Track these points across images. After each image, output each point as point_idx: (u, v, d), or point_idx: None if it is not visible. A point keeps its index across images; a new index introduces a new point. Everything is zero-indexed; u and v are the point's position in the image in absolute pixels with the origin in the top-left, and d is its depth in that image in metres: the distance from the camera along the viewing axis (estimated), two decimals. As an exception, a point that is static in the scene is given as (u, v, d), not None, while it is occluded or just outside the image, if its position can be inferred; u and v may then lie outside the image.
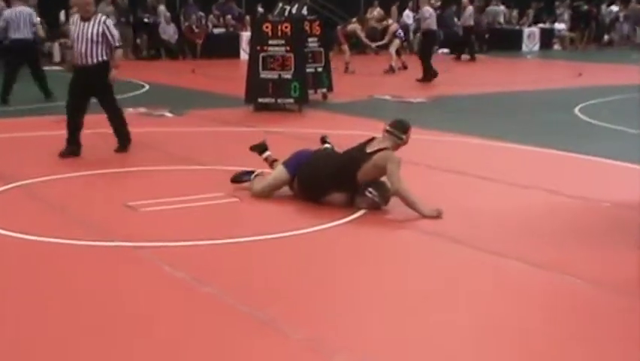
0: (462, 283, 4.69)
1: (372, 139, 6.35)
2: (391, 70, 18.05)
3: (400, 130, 6.35)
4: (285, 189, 6.56)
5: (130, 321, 3.99)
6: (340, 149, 6.71)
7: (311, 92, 12.43)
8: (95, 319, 3.99)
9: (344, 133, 9.12)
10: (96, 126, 9.88)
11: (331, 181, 6.24)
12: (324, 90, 13.05)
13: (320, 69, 12.79)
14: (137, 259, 4.97)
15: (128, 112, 11.40)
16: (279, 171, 6.56)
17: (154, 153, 8.48)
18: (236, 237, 5.45)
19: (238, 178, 6.81)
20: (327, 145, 7.17)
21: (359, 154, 6.25)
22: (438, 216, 6.02)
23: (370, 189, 6.17)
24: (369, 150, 6.25)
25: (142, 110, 11.71)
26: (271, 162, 6.94)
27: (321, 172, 6.27)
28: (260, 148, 7.16)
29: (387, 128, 6.37)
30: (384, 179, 6.21)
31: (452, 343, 3.81)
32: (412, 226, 5.86)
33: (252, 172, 6.78)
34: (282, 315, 4.06)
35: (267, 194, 6.55)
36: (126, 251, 5.11)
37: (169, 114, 11.44)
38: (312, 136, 8.21)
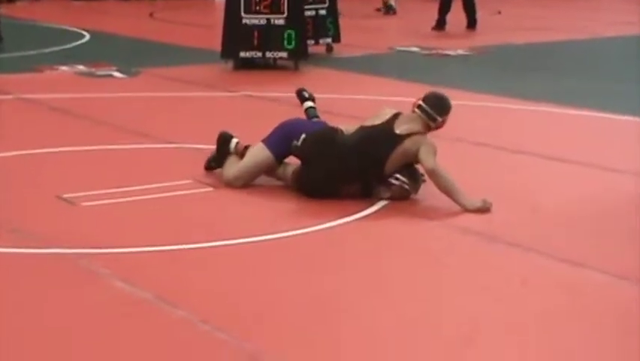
0: (520, 300, 4.73)
1: (397, 115, 6.35)
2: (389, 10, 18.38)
3: (437, 110, 6.34)
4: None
5: (80, 358, 4.01)
6: (344, 120, 6.73)
7: (311, 42, 12.43)
8: (19, 356, 4.01)
9: (355, 98, 9.15)
10: (18, 89, 9.92)
11: (350, 172, 6.25)
12: (329, 40, 13.05)
13: (323, 12, 12.80)
14: (80, 272, 4.99)
15: (61, 71, 11.49)
16: (258, 151, 6.55)
17: (97, 126, 8.49)
18: (213, 240, 5.47)
19: (215, 161, 6.79)
20: (310, 105, 7.14)
21: (386, 136, 6.25)
22: (485, 209, 6.05)
23: (397, 175, 6.19)
24: (398, 130, 6.25)
25: (80, 68, 11.72)
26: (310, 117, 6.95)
27: (336, 159, 6.26)
28: (302, 96, 7.17)
29: (421, 103, 6.37)
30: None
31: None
32: (450, 224, 5.88)
33: (228, 144, 6.73)
34: (276, 348, 4.08)
35: (244, 181, 6.55)
36: (64, 261, 5.13)
37: (117, 74, 11.45)
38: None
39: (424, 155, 6.14)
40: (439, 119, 6.35)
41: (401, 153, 6.21)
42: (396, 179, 6.20)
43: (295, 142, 6.38)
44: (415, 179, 6.27)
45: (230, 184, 6.54)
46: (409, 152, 6.20)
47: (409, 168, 6.27)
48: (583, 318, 4.58)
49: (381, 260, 5.37)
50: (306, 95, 7.24)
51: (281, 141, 6.50)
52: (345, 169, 6.24)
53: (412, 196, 6.30)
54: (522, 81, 11.33)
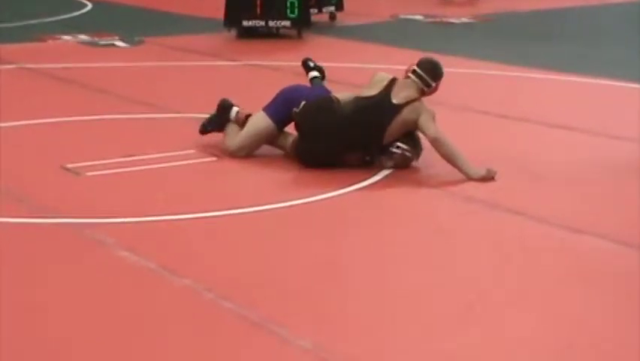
0: (522, 266, 4.76)
1: (392, 81, 6.36)
2: None
3: (431, 75, 6.35)
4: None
5: (82, 330, 4.04)
6: (346, 89, 6.73)
7: (314, 11, 12.41)
8: (23, 329, 4.04)
9: (358, 67, 9.13)
10: (21, 59, 9.93)
11: (348, 142, 6.26)
12: (332, 9, 13.03)
13: (326, -21, 12.78)
14: (86, 241, 5.02)
15: (64, 41, 11.47)
16: (260, 120, 6.56)
17: (100, 96, 8.50)
18: (216, 210, 5.49)
19: (211, 124, 6.78)
20: (315, 75, 7.14)
21: (384, 106, 6.25)
22: (489, 178, 6.07)
23: (398, 144, 6.21)
24: (395, 100, 6.26)
25: (83, 37, 11.71)
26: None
27: (333, 130, 6.26)
28: (307, 66, 7.17)
29: (415, 69, 6.37)
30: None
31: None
32: (453, 192, 5.90)
33: (228, 112, 6.74)
34: (279, 314, 4.11)
35: (247, 151, 6.57)
36: (69, 231, 5.16)
37: (120, 43, 11.44)
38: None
39: (424, 123, 6.15)
40: (433, 84, 6.36)
41: (400, 123, 6.22)
42: (398, 147, 6.22)
43: (295, 109, 6.39)
44: (416, 145, 6.29)
45: (234, 154, 6.55)
46: (409, 120, 6.21)
47: (410, 135, 6.29)
48: (585, 284, 4.60)
49: (385, 228, 5.40)
50: (312, 65, 7.23)
51: (281, 109, 6.51)
52: (344, 139, 6.24)
53: (414, 164, 6.33)
54: (525, 49, 11.30)
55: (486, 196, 5.79)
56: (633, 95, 8.71)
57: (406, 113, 6.20)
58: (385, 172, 6.23)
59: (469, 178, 6.07)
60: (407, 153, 6.24)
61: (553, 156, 6.78)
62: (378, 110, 6.24)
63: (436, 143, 6.14)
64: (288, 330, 3.94)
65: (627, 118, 7.72)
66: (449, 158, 6.14)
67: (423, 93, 6.34)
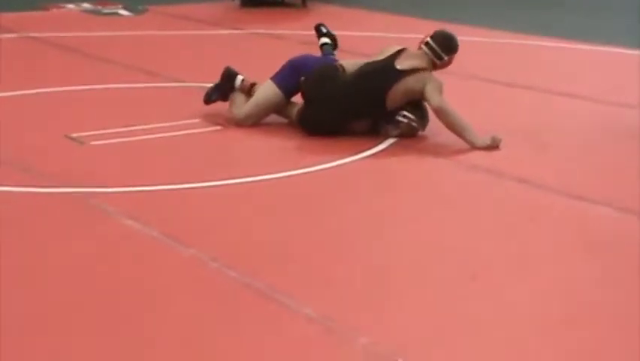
0: (528, 235, 4.77)
1: (401, 50, 6.34)
2: None
3: (444, 48, 6.33)
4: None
5: (85, 298, 4.06)
6: (354, 58, 6.72)
7: (319, -22, 12.38)
8: (26, 296, 4.06)
9: (364, 36, 9.10)
10: (25, 28, 9.91)
11: (352, 109, 6.25)
12: (337, -24, 12.99)
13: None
14: (91, 210, 5.03)
15: (67, 9, 11.45)
16: (268, 89, 6.55)
17: (104, 65, 8.49)
18: (221, 179, 5.50)
19: (216, 93, 6.77)
20: (326, 42, 7.12)
21: (386, 71, 6.24)
22: (494, 146, 6.07)
23: (405, 113, 6.21)
24: (399, 65, 6.24)
25: (86, 6, 11.68)
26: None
27: (337, 97, 6.26)
28: (319, 31, 7.14)
29: (428, 40, 6.35)
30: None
31: (525, 333, 3.89)
32: (458, 161, 5.90)
33: (233, 80, 6.71)
34: (283, 283, 4.12)
35: (254, 120, 6.57)
36: (73, 200, 5.16)
37: (123, 12, 11.42)
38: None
39: (429, 93, 6.13)
40: (445, 57, 6.34)
41: (403, 90, 6.20)
42: (404, 116, 6.22)
43: (303, 78, 6.39)
44: (423, 115, 6.29)
45: (241, 123, 6.55)
46: (414, 89, 6.19)
47: (416, 104, 6.28)
48: (589, 251, 4.61)
49: (389, 197, 5.40)
50: (324, 31, 7.20)
51: (290, 78, 6.50)
52: (347, 106, 6.24)
53: (420, 133, 6.33)
54: (533, 17, 11.27)
55: (490, 165, 5.79)
56: (635, 62, 8.69)
57: (411, 82, 6.18)
58: (390, 141, 6.23)
59: (474, 147, 6.07)
60: (413, 123, 6.24)
61: (557, 124, 6.78)
62: (379, 75, 6.23)
63: (439, 112, 6.13)
64: (293, 299, 3.95)
65: (632, 86, 7.71)
66: (453, 127, 6.13)
67: (434, 66, 6.32)
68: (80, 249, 4.52)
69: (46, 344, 3.58)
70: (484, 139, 6.10)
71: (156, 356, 3.52)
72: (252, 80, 6.67)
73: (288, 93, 6.54)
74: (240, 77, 6.70)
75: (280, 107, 6.59)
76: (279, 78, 6.55)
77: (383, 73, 6.23)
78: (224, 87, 6.71)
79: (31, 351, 3.52)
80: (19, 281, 4.12)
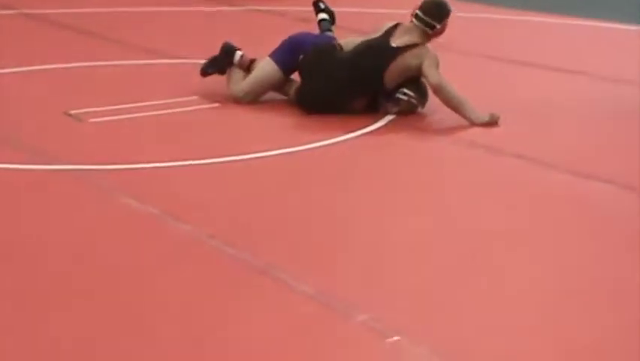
0: (528, 212, 4.77)
1: (396, 25, 6.32)
2: None
3: (434, 16, 6.29)
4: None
5: (83, 276, 4.06)
6: (350, 35, 6.70)
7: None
8: (22, 272, 4.06)
9: (363, 12, 9.07)
10: (21, 4, 9.88)
11: (349, 88, 6.24)
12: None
13: None
14: (89, 187, 5.02)
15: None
16: (266, 65, 6.54)
17: (100, 42, 8.47)
18: (219, 156, 5.49)
19: (213, 66, 6.75)
20: (324, 17, 7.11)
21: (382, 49, 6.23)
22: (493, 122, 6.07)
23: (404, 90, 6.20)
24: (394, 43, 6.22)
25: (84, -18, 11.62)
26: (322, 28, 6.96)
27: (334, 76, 6.25)
28: (318, 7, 7.14)
29: (417, 12, 6.32)
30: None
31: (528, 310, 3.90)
32: (457, 137, 5.91)
33: (232, 55, 6.70)
34: (281, 260, 4.13)
35: (253, 97, 6.56)
36: (72, 177, 5.16)
37: (121, -12, 11.36)
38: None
39: (427, 69, 6.12)
40: (438, 25, 6.29)
41: (401, 67, 6.18)
42: (404, 94, 6.21)
43: (302, 57, 6.38)
44: (422, 93, 6.28)
45: (239, 100, 6.54)
46: (411, 66, 6.17)
47: (415, 81, 6.27)
48: (589, 228, 4.62)
49: (388, 175, 5.40)
50: (322, 7, 7.18)
51: (288, 55, 6.49)
52: (344, 84, 6.22)
53: (419, 110, 6.32)
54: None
55: (490, 142, 5.79)
56: (636, 38, 8.67)
57: (408, 59, 6.17)
58: (389, 118, 6.23)
59: (473, 124, 6.06)
60: (413, 100, 6.24)
61: (557, 101, 6.78)
62: (375, 53, 6.21)
63: (437, 89, 6.12)
64: (291, 275, 3.96)
65: (632, 62, 7.70)
66: (451, 104, 6.13)
67: (428, 37, 6.30)
68: (78, 226, 4.52)
69: (45, 320, 3.58)
70: (482, 116, 6.09)
71: (154, 334, 3.53)
72: (251, 57, 6.66)
73: (287, 70, 6.52)
74: (239, 53, 6.68)
75: (279, 85, 6.58)
76: (278, 55, 6.54)
77: (379, 51, 6.22)
78: (223, 61, 6.69)
79: (30, 328, 3.52)
80: (16, 258, 4.13)
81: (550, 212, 4.84)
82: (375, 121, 6.16)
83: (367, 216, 4.75)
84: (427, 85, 6.27)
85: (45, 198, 4.89)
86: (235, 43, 6.81)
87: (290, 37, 6.63)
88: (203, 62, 6.88)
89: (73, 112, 6.24)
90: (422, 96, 6.29)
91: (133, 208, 4.71)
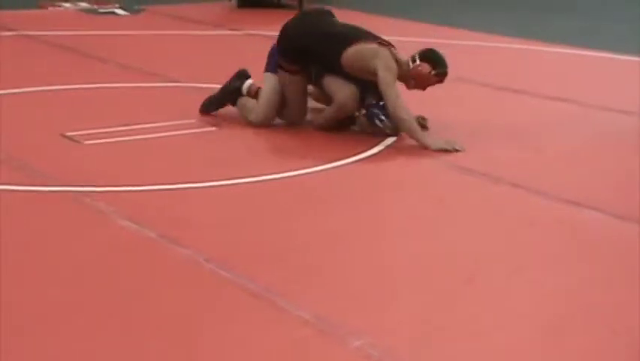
0: (523, 240, 4.77)
1: (388, 43, 6.35)
2: None
3: (425, 57, 6.29)
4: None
5: (80, 299, 4.05)
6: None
7: (315, -20, 12.36)
8: (21, 296, 4.05)
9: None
10: (21, 26, 9.91)
11: (315, 45, 6.34)
12: (334, -22, 12.97)
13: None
14: (86, 209, 5.01)
15: (64, 8, 11.44)
16: (269, 81, 6.57)
17: (100, 64, 8.48)
18: (216, 179, 5.49)
19: (212, 104, 6.78)
20: None
21: (354, 34, 6.35)
22: (453, 150, 6.06)
23: (382, 116, 6.23)
24: (367, 38, 6.30)
25: (83, 5, 11.67)
26: None
27: (307, 31, 6.44)
28: None
29: (415, 53, 6.33)
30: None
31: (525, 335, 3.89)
32: (454, 164, 5.90)
33: (241, 84, 6.71)
34: (278, 285, 4.11)
35: (273, 116, 6.56)
36: (68, 199, 5.15)
37: (120, 11, 11.41)
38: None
39: (385, 91, 6.11)
40: (422, 64, 6.23)
41: (355, 52, 6.24)
42: (381, 121, 6.25)
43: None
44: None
45: (262, 124, 6.51)
46: (364, 55, 6.22)
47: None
48: (585, 258, 4.60)
49: (385, 200, 5.40)
50: None
51: (274, 61, 6.57)
52: (308, 38, 6.40)
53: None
54: (526, 21, 11.27)
55: (487, 169, 5.79)
56: (633, 68, 8.70)
57: (364, 47, 6.25)
58: (385, 144, 6.23)
59: (427, 149, 6.09)
60: (387, 130, 6.28)
61: (553, 129, 6.78)
62: (348, 31, 6.44)
63: (395, 118, 6.14)
64: (287, 301, 3.94)
65: (628, 91, 7.72)
66: (409, 134, 6.17)
67: (405, 67, 6.26)
68: (75, 248, 4.51)
69: (43, 343, 3.57)
70: (441, 141, 6.11)
71: (150, 357, 3.51)
72: (259, 85, 6.67)
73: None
74: (249, 81, 6.69)
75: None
76: (272, 67, 6.58)
77: (350, 32, 6.41)
78: (222, 99, 6.71)
79: (29, 351, 3.51)
80: (14, 281, 4.11)
81: (546, 240, 4.83)
82: (373, 146, 6.16)
83: (365, 242, 4.74)
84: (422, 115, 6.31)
85: (42, 220, 4.88)
86: (233, 67, 6.83)
87: (272, 48, 6.71)
88: (200, 85, 6.91)
89: (70, 134, 6.23)
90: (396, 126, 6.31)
91: (130, 231, 4.70)
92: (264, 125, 6.54)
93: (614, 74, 8.74)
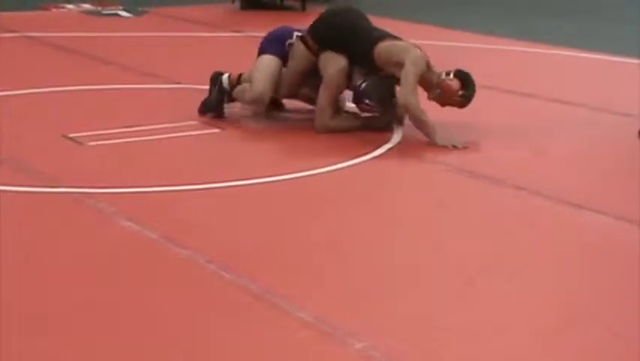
0: (526, 243, 4.77)
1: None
2: None
3: (459, 75, 6.36)
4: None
5: (82, 299, 4.05)
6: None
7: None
8: (23, 297, 4.05)
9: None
10: (24, 28, 9.92)
11: (353, 36, 6.38)
12: (337, -20, 12.97)
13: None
14: (88, 210, 5.01)
15: (68, 10, 11.44)
16: (264, 60, 6.61)
17: (103, 66, 8.48)
18: (218, 181, 5.49)
19: (207, 108, 6.77)
20: None
21: (390, 34, 6.45)
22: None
23: (365, 100, 6.32)
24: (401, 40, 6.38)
25: (86, 7, 11.68)
26: None
27: (340, 23, 6.47)
28: None
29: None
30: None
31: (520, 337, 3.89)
32: (457, 167, 5.89)
33: (220, 83, 6.71)
34: (280, 286, 4.11)
35: (269, 92, 6.57)
36: (71, 200, 5.15)
37: (124, 13, 11.41)
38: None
39: (403, 82, 6.19)
40: (454, 80, 6.30)
41: (389, 47, 6.31)
42: (366, 104, 6.35)
43: (290, 40, 6.59)
44: (384, 102, 6.36)
45: (261, 100, 6.55)
46: (397, 51, 6.28)
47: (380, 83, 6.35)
48: (586, 261, 4.60)
49: (386, 202, 5.39)
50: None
51: (275, 45, 6.63)
52: (342, 31, 6.43)
53: (419, 136, 6.35)
54: (529, 23, 11.26)
55: (489, 171, 5.78)
56: (634, 71, 8.69)
57: (399, 44, 6.34)
58: (388, 145, 6.23)
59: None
60: (375, 111, 6.37)
61: (554, 132, 6.78)
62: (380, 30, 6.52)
63: (406, 109, 6.21)
64: (288, 302, 3.94)
65: (628, 94, 7.71)
66: (418, 125, 6.22)
67: (435, 77, 6.31)
68: (76, 249, 4.51)
69: (45, 344, 3.57)
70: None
71: (151, 357, 3.51)
72: (236, 73, 6.71)
73: (283, 55, 6.62)
74: (225, 75, 6.72)
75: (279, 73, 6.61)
76: (267, 49, 6.66)
77: (382, 32, 6.49)
78: (215, 99, 6.70)
79: (31, 352, 3.51)
80: (16, 281, 4.11)
81: (548, 242, 4.82)
82: (376, 148, 6.16)
83: (366, 243, 4.74)
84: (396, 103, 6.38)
85: (43, 221, 4.88)
86: (235, 69, 6.83)
87: (268, 35, 6.77)
88: (203, 87, 6.90)
89: (72, 135, 6.23)
90: (383, 104, 6.35)
91: (132, 232, 4.70)
92: (258, 102, 6.55)
93: (615, 76, 8.73)
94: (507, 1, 13.28)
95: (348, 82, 6.42)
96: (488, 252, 4.66)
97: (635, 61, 9.04)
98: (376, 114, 6.38)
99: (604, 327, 3.87)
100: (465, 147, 6.15)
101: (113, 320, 3.79)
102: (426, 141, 6.30)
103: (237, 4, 11.82)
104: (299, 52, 6.53)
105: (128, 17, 11.25)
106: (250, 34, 10.07)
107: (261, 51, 6.70)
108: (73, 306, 3.90)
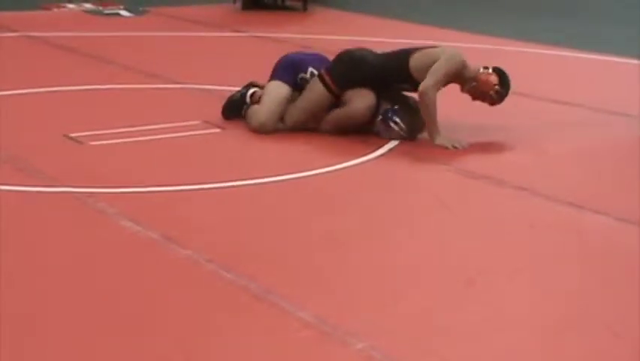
0: (526, 243, 4.77)
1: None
2: None
3: (498, 72, 6.38)
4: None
5: (82, 299, 4.04)
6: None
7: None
8: (23, 296, 4.05)
9: (362, 40, 9.08)
10: (25, 27, 9.91)
11: (380, 72, 6.33)
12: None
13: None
14: (88, 210, 5.01)
15: (68, 9, 11.44)
16: (276, 87, 6.50)
17: (104, 66, 8.48)
18: (220, 181, 5.49)
19: (231, 112, 6.72)
20: None
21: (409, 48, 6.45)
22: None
23: (396, 119, 6.22)
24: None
25: (87, 6, 11.68)
26: None
27: (366, 62, 6.39)
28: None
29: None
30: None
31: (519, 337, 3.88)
32: (458, 167, 5.89)
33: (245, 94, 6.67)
34: (280, 286, 4.11)
35: (274, 120, 6.45)
36: (72, 200, 5.15)
37: (125, 13, 11.41)
38: (322, 44, 8.17)
39: (431, 71, 6.19)
40: (493, 74, 6.31)
41: (424, 54, 6.30)
42: (396, 123, 6.24)
43: (303, 74, 6.44)
44: (412, 120, 6.29)
45: (263, 128, 6.40)
46: (433, 53, 6.29)
47: (405, 107, 6.29)
48: (586, 261, 4.60)
49: (388, 203, 5.39)
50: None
51: (290, 73, 6.50)
52: (372, 69, 6.36)
53: (419, 136, 6.35)
54: (528, 24, 11.26)
55: (489, 172, 5.78)
56: (634, 71, 8.69)
57: (432, 49, 6.37)
58: (389, 146, 6.22)
59: (434, 143, 6.17)
60: (402, 133, 6.27)
61: (555, 132, 6.78)
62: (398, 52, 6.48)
63: (421, 95, 6.18)
64: (289, 302, 3.94)
65: (629, 94, 7.71)
66: (424, 115, 6.21)
67: (472, 72, 6.32)
68: (78, 249, 4.51)
69: (43, 344, 3.57)
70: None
71: (151, 357, 3.51)
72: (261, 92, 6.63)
73: (295, 85, 6.53)
74: (251, 90, 6.62)
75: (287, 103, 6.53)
76: (280, 75, 6.53)
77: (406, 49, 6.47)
78: (236, 104, 6.65)
79: (31, 352, 3.50)
80: (16, 281, 4.11)
81: (548, 243, 4.82)
82: (377, 149, 6.16)
83: (367, 244, 4.74)
84: (421, 118, 6.30)
85: (44, 220, 4.88)
86: (237, 69, 6.88)
87: (282, 59, 6.64)
88: (204, 86, 6.92)
89: (73, 135, 6.23)
90: (412, 129, 6.30)
91: (132, 232, 4.70)
92: (262, 131, 6.45)
93: (614, 76, 8.73)
94: (507, 1, 13.27)
95: (371, 118, 6.37)
96: (488, 252, 4.66)
97: (635, 61, 9.05)
98: (402, 135, 6.31)
99: (604, 327, 3.87)
100: (465, 148, 6.16)
101: (113, 319, 3.78)
102: (427, 142, 6.30)
103: (239, 4, 11.81)
104: (318, 92, 6.40)
105: (129, 17, 11.25)
106: (252, 34, 10.09)
107: (274, 74, 6.57)
108: (73, 306, 3.90)
